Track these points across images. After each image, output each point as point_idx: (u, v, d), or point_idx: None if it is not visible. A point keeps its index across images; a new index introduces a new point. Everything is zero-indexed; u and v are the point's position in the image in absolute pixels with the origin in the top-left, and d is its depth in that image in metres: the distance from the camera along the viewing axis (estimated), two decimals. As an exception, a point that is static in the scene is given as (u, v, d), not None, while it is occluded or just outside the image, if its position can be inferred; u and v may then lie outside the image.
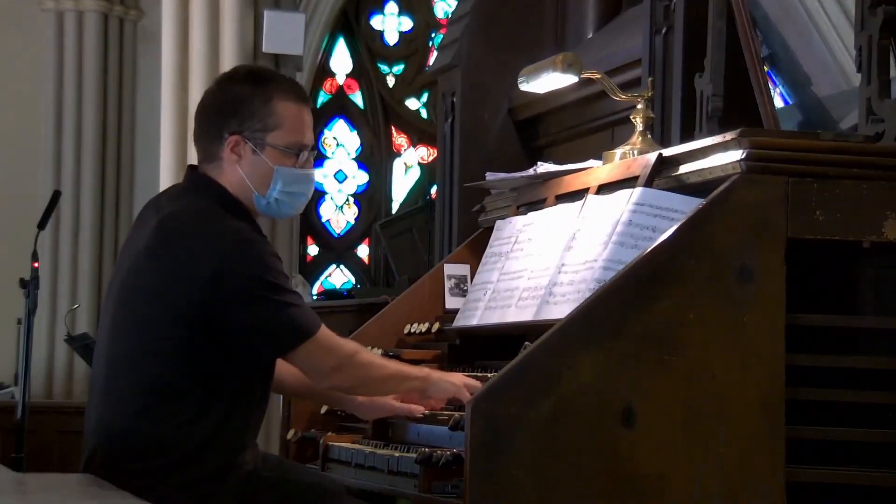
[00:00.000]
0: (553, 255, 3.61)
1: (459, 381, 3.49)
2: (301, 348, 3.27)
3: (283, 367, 3.48)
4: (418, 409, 3.55)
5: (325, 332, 3.32)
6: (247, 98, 3.36)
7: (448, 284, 4.24)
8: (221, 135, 3.36)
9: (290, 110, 3.39)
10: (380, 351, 4.01)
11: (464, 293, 4.16)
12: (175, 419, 3.22)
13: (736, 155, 3.19)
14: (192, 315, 3.20)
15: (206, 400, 3.24)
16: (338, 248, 12.45)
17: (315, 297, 10.41)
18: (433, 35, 12.57)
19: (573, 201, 3.74)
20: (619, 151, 3.81)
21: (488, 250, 4.02)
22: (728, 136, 3.23)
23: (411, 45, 12.80)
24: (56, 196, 6.73)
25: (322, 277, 12.32)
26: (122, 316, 3.31)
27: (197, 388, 3.23)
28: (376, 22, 12.72)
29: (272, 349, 3.32)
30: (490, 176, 4.24)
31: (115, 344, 3.31)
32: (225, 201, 3.34)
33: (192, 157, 7.57)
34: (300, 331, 3.27)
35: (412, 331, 4.12)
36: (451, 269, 4.27)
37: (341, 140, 12.59)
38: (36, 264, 6.30)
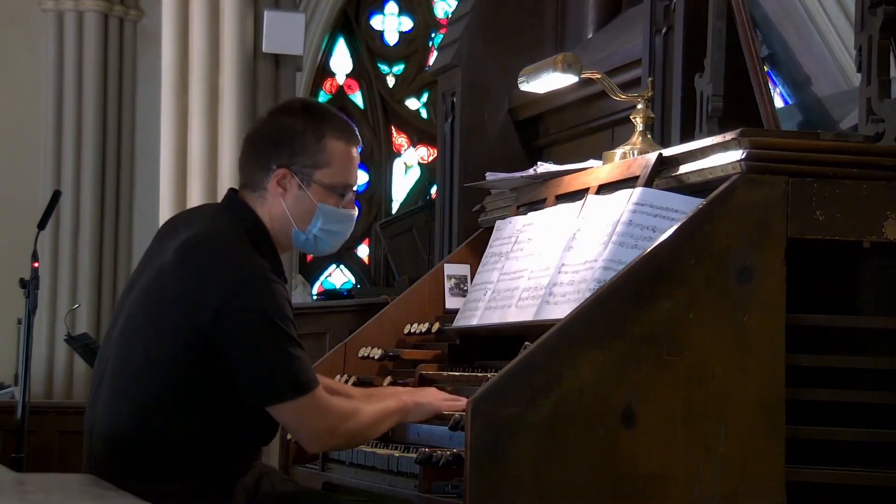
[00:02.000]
0: (553, 255, 3.61)
1: (433, 399, 3.49)
2: (292, 404, 3.19)
3: None
4: None
5: (319, 393, 3.24)
6: (299, 132, 3.35)
7: (448, 284, 4.24)
8: (269, 166, 3.35)
9: (341, 150, 3.38)
10: (380, 351, 4.02)
11: (464, 293, 4.16)
12: (181, 432, 3.20)
13: (736, 155, 3.19)
14: (198, 339, 3.17)
15: (210, 417, 3.22)
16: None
17: (315, 297, 10.41)
18: (433, 35, 12.58)
19: (573, 201, 3.74)
20: (619, 151, 3.81)
21: (488, 250, 4.02)
22: (728, 136, 3.23)
23: (411, 45, 12.82)
24: (56, 196, 6.73)
25: (322, 277, 12.33)
26: (136, 325, 3.29)
27: (202, 405, 3.21)
28: (376, 22, 12.73)
29: (261, 396, 3.21)
30: (490, 176, 4.23)
31: (124, 353, 3.29)
32: (254, 232, 3.32)
33: (193, 157, 7.63)
34: (296, 384, 3.19)
35: (412, 331, 4.12)
36: (451, 269, 4.27)
37: (341, 140, 12.58)
38: (36, 264, 6.30)
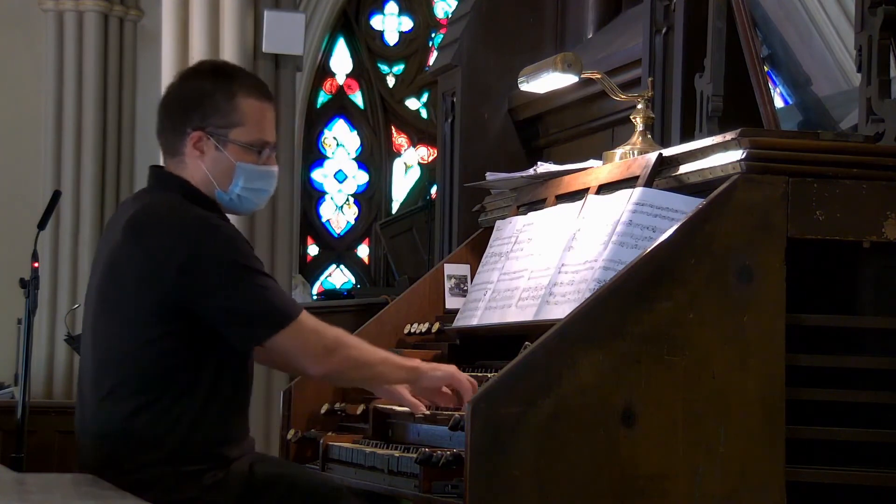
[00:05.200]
0: (553, 255, 3.61)
1: (450, 370, 3.46)
2: (284, 333, 3.22)
3: None
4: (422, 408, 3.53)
5: (307, 315, 3.27)
6: (209, 93, 3.35)
7: (448, 284, 4.24)
8: (184, 130, 3.36)
9: (253, 107, 3.37)
10: (380, 351, 4.01)
11: (464, 293, 4.16)
12: (165, 412, 3.22)
13: (736, 155, 3.19)
14: (168, 307, 3.19)
15: (192, 391, 3.23)
16: (338, 248, 12.46)
17: (315, 297, 10.41)
18: (433, 35, 12.58)
19: (573, 201, 3.74)
20: (619, 151, 3.81)
21: (488, 250, 4.02)
22: (728, 136, 3.23)
23: (411, 45, 12.82)
24: (56, 196, 6.72)
25: (322, 277, 12.33)
26: (103, 317, 3.31)
27: (183, 380, 3.23)
28: (376, 22, 12.74)
29: (251, 334, 3.25)
30: (490, 176, 4.24)
31: (99, 346, 3.31)
32: (188, 193, 3.34)
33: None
34: (280, 313, 3.23)
35: (412, 331, 4.12)
36: (451, 269, 4.27)
37: (341, 140, 12.60)
38: (36, 264, 6.29)
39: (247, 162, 3.36)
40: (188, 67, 3.58)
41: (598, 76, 4.03)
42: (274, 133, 3.43)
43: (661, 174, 3.48)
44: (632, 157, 3.73)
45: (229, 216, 3.43)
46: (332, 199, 12.48)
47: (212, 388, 3.26)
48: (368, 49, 12.66)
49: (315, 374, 3.41)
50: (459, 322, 3.92)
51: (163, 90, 7.92)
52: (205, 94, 3.35)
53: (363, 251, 12.56)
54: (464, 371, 3.72)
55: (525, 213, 3.99)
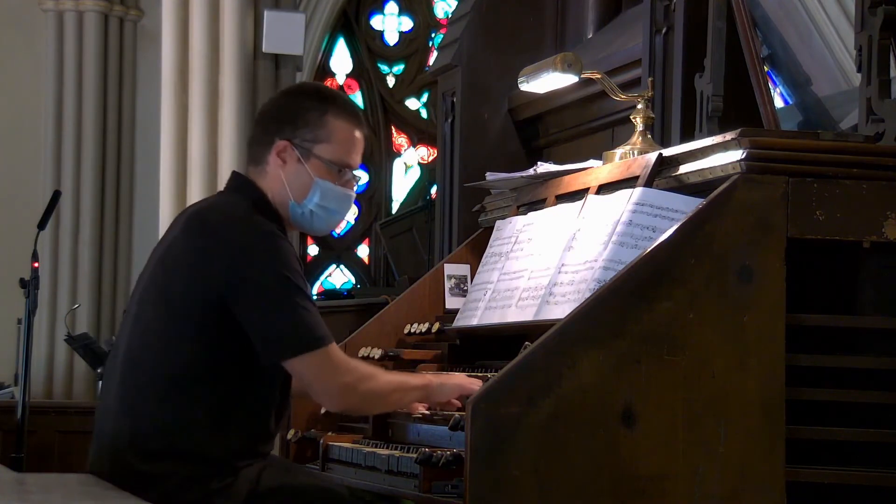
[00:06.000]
0: (553, 255, 3.61)
1: (459, 380, 3.50)
2: (308, 357, 3.23)
3: None
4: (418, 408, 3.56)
5: (336, 348, 3.30)
6: (303, 108, 3.42)
7: (448, 284, 4.24)
8: (272, 140, 3.42)
9: (342, 128, 3.43)
10: (380, 351, 4.02)
11: (464, 293, 4.16)
12: (193, 408, 3.23)
13: (736, 155, 3.19)
14: (212, 304, 3.22)
15: (213, 398, 3.24)
16: (338, 248, 12.45)
17: (315, 297, 10.40)
18: (433, 35, 12.58)
19: (573, 201, 3.74)
20: (619, 151, 3.82)
21: (488, 250, 4.02)
22: (728, 136, 3.23)
23: (411, 45, 12.81)
24: (56, 196, 6.73)
25: (322, 277, 12.33)
26: (147, 305, 3.33)
27: (206, 387, 3.24)
28: (376, 22, 12.73)
29: (278, 350, 3.25)
30: (490, 176, 4.24)
31: (136, 335, 3.33)
32: (259, 203, 3.38)
33: (193, 157, 7.60)
34: (312, 336, 3.24)
35: (412, 331, 4.12)
36: (451, 269, 4.27)
37: (341, 140, 12.58)
38: (36, 264, 6.30)
39: (325, 179, 3.41)
40: (293, 84, 3.67)
41: (598, 76, 4.03)
42: (359, 159, 3.48)
43: (661, 174, 3.48)
44: (632, 157, 3.73)
45: (294, 233, 3.47)
46: (332, 198, 12.47)
47: (232, 398, 3.27)
48: (368, 49, 12.66)
49: (329, 408, 3.49)
50: (459, 322, 3.92)
51: (163, 90, 7.92)
52: (299, 108, 3.43)
53: (363, 251, 12.55)
54: (464, 371, 3.73)
55: (525, 213, 3.99)
